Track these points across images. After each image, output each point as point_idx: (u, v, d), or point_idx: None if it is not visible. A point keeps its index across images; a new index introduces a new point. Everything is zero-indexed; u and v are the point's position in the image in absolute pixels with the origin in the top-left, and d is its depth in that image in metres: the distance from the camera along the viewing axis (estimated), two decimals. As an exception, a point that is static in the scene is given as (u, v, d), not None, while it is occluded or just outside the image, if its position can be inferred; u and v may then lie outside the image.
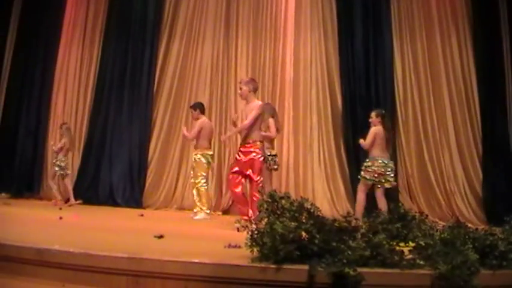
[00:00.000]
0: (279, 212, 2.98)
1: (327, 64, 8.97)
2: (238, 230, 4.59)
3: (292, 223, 2.85)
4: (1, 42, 10.14)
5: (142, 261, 2.91)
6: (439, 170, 8.30)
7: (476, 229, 3.35)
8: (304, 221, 2.93)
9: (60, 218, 5.67)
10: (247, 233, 2.98)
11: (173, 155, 9.24)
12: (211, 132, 7.55)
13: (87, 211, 7.58)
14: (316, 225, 2.90)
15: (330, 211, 7.76)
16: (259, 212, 3.10)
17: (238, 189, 5.83)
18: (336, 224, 2.96)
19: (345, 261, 2.73)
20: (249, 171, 5.72)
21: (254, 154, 5.75)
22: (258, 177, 5.75)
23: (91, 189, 9.26)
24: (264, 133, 6.38)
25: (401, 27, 8.83)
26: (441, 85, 8.55)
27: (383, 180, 6.42)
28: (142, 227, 5.64)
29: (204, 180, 7.16)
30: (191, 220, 6.88)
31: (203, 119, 7.45)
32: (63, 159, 8.60)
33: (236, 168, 5.84)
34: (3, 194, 9.16)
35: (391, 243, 3.08)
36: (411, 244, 3.27)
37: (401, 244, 3.31)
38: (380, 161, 6.42)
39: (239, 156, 5.88)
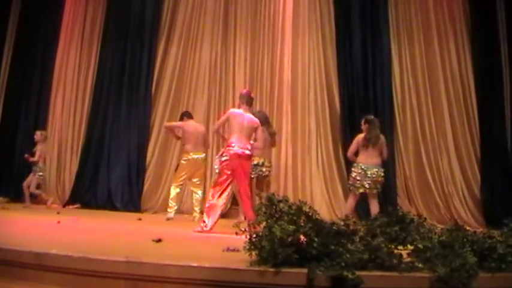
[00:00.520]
0: (277, 216, 2.98)
1: (325, 67, 8.99)
2: (236, 233, 4.59)
3: (291, 226, 2.84)
4: (0, 45, 10.14)
5: (140, 265, 2.90)
6: (437, 173, 8.32)
7: (475, 232, 3.35)
8: (302, 224, 2.92)
9: (58, 222, 5.65)
10: (246, 236, 2.98)
11: (171, 158, 9.23)
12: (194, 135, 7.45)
13: (86, 215, 7.56)
14: (314, 228, 2.90)
15: (328, 214, 7.77)
16: (257, 215, 3.09)
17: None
18: (335, 227, 2.96)
19: (343, 264, 2.73)
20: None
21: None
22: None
23: (89, 193, 9.25)
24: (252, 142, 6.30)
25: (399, 30, 8.86)
26: (439, 88, 8.57)
27: (358, 186, 6.40)
28: (140, 230, 5.63)
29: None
30: (189, 224, 6.86)
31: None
32: (43, 167, 8.64)
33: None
34: (1, 198, 9.13)
35: (390, 246, 3.08)
36: (410, 247, 3.27)
37: (400, 247, 3.31)
38: (360, 167, 6.41)
39: None
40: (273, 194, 3.19)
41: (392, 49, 8.78)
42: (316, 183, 8.61)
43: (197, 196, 7.36)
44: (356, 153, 6.52)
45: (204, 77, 9.38)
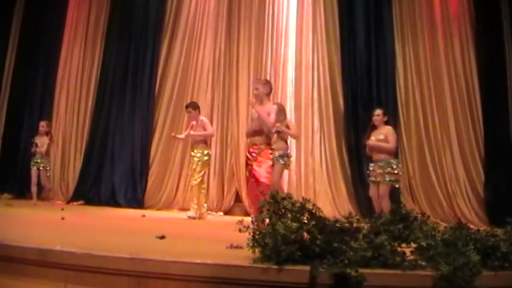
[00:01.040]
0: (280, 213, 2.98)
1: (329, 65, 8.98)
2: (240, 230, 4.58)
3: (294, 224, 2.84)
4: (3, 44, 10.19)
5: (144, 261, 2.90)
6: (441, 171, 8.30)
7: (478, 230, 3.33)
8: (306, 221, 2.92)
9: (62, 218, 5.67)
10: (249, 233, 2.98)
11: (175, 155, 9.26)
12: None
13: (89, 211, 7.58)
14: (318, 226, 2.89)
15: (331, 212, 7.76)
16: (261, 212, 3.09)
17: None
18: (338, 225, 2.95)
19: (346, 262, 2.73)
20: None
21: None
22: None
23: (93, 190, 9.30)
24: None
25: (403, 28, 8.84)
26: (443, 86, 8.55)
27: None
28: (144, 227, 5.64)
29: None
30: (193, 221, 6.88)
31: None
32: (47, 162, 8.48)
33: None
34: (5, 195, 9.18)
35: (393, 244, 3.07)
36: (413, 245, 3.26)
37: (403, 245, 3.30)
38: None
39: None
40: (276, 192, 3.18)
41: (396, 48, 8.76)
42: (320, 181, 8.61)
43: (204, 191, 7.36)
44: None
45: (207, 75, 9.40)
